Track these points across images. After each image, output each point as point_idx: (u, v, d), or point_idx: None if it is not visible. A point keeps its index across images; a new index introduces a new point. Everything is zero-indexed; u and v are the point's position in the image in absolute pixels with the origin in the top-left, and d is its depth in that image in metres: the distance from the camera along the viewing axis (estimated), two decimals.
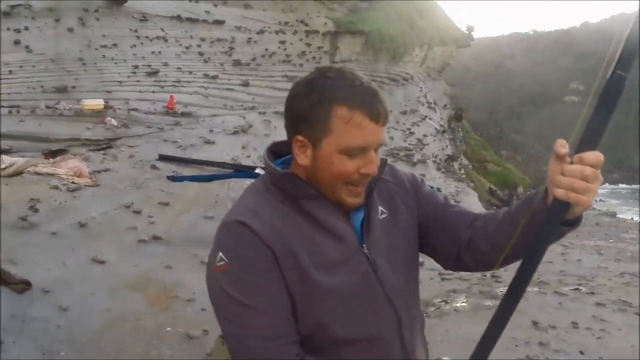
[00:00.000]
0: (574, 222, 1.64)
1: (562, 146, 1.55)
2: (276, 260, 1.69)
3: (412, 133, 26.00)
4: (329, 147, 1.70)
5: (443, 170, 25.04)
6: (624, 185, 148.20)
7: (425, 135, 28.07)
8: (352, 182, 1.74)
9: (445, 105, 37.17)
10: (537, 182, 67.63)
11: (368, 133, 1.68)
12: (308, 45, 23.85)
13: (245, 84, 20.64)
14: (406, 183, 2.02)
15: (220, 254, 1.71)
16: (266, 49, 22.08)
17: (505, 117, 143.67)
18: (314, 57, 23.79)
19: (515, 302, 1.71)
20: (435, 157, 27.55)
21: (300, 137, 1.74)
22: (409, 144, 24.24)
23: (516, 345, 6.69)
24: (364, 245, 1.82)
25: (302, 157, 1.75)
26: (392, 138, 23.15)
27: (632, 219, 39.69)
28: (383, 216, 1.91)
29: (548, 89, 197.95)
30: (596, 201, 68.91)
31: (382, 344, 1.80)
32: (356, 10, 27.32)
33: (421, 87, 31.84)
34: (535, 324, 7.47)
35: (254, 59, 21.52)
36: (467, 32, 42.70)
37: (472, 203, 20.94)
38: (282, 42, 22.74)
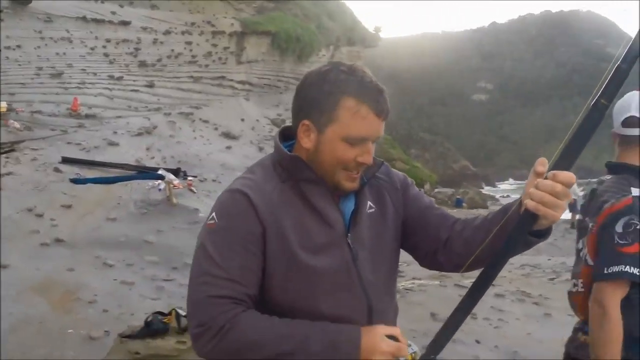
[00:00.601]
0: (543, 234, 1.74)
1: (541, 165, 1.67)
2: (264, 235, 1.80)
3: None
4: (334, 134, 1.82)
5: None
6: None
7: None
8: (349, 168, 1.85)
9: None
10: (445, 179, 69.38)
11: (371, 126, 1.82)
12: (214, 45, 23.92)
13: (151, 85, 20.67)
14: (397, 183, 2.13)
15: (214, 214, 1.83)
16: (172, 50, 22.11)
17: (414, 116, 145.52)
18: (220, 58, 23.92)
19: (472, 305, 1.81)
20: None
21: (307, 122, 1.85)
22: None
23: (414, 337, 6.62)
24: (349, 235, 1.91)
25: (306, 141, 1.87)
26: None
27: None
28: (371, 210, 2.01)
29: (457, 88, 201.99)
30: (503, 197, 71.13)
31: (348, 323, 1.84)
32: (263, 11, 27.45)
33: None
34: (433, 315, 7.60)
35: (159, 60, 21.53)
36: (374, 32, 43.63)
37: None
38: (189, 43, 22.78)
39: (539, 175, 1.66)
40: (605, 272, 2.38)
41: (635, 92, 2.64)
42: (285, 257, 1.80)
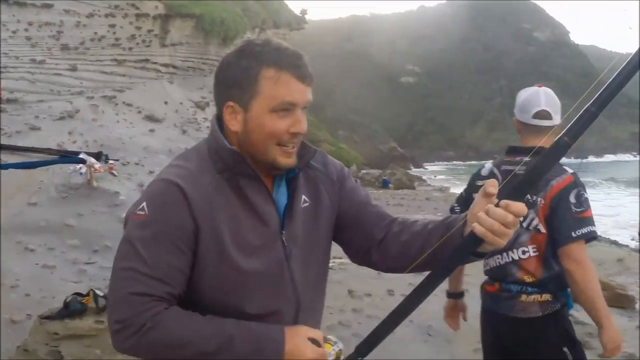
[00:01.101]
0: (482, 254, 1.73)
1: (493, 186, 1.64)
2: (196, 234, 1.73)
3: None
4: (260, 107, 1.76)
5: None
6: (459, 162, 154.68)
7: None
8: (283, 142, 1.79)
9: None
10: (373, 160, 70.17)
11: (295, 91, 1.76)
12: (138, 28, 23.56)
13: (74, 69, 20.41)
14: (334, 174, 2.07)
15: (145, 203, 1.74)
16: (95, 33, 21.74)
17: (342, 98, 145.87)
18: (143, 41, 23.68)
19: (409, 311, 1.77)
20: None
21: (231, 103, 1.80)
22: None
23: (330, 313, 6.75)
24: (284, 232, 1.87)
25: (234, 123, 1.81)
26: None
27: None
28: (305, 205, 1.96)
29: (385, 71, 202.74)
30: (431, 177, 72.27)
31: (275, 322, 1.82)
32: None
33: None
34: (350, 292, 7.77)
35: (82, 43, 21.20)
36: (300, 15, 43.99)
37: None
38: (112, 26, 22.40)
39: (487, 196, 1.65)
40: (574, 235, 2.94)
41: (538, 89, 3.27)
42: (217, 258, 1.75)
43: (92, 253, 8.75)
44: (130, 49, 22.89)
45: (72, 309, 5.10)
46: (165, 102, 22.17)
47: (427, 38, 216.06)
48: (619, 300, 9.05)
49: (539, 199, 3.06)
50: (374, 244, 2.00)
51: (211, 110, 23.03)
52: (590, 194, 3.18)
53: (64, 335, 4.89)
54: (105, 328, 4.80)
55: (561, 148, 1.57)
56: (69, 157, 13.37)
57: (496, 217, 1.56)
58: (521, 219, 3.02)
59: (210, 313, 1.73)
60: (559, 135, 1.57)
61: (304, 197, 1.96)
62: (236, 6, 30.17)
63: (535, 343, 3.14)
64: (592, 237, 3.00)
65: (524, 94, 3.31)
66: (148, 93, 21.71)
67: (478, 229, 1.59)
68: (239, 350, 1.67)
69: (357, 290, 7.97)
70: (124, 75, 22.16)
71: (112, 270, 1.72)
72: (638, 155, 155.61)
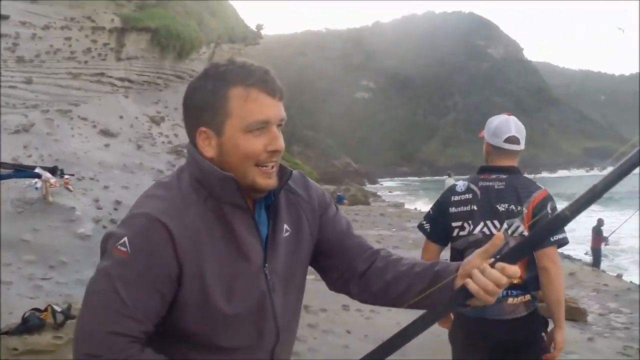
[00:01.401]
0: (468, 305, 1.72)
1: (499, 239, 1.65)
2: (179, 277, 1.67)
3: None
4: (233, 129, 1.70)
5: None
6: (414, 178, 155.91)
7: None
8: (262, 162, 1.73)
9: None
10: (328, 176, 70.33)
11: (267, 107, 1.71)
12: (94, 42, 23.38)
13: (29, 82, 20.19)
14: (315, 201, 2.02)
15: (126, 240, 1.64)
16: (51, 45, 21.51)
17: (297, 113, 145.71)
18: (99, 54, 23.49)
19: (397, 347, 1.74)
20: None
21: (203, 129, 1.74)
22: None
23: None
24: (267, 266, 1.82)
25: (208, 149, 1.75)
26: (176, 135, 23.42)
27: (415, 209, 42.17)
28: (287, 234, 1.91)
29: (339, 86, 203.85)
30: (386, 193, 72.70)
31: (252, 355, 1.82)
32: (144, 8, 26.83)
33: None
34: (306, 307, 7.83)
35: (38, 56, 20.96)
36: (256, 30, 44.12)
37: None
38: (68, 39, 22.18)
39: (487, 254, 1.67)
40: (552, 239, 3.30)
41: (508, 117, 3.70)
42: (200, 303, 1.70)
43: (48, 268, 8.76)
44: (85, 62, 22.68)
45: (30, 324, 5.14)
46: (121, 117, 22.13)
47: (381, 53, 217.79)
48: (571, 313, 9.36)
49: (523, 209, 3.44)
50: (354, 276, 1.99)
51: (166, 125, 23.10)
52: None
53: (23, 350, 4.91)
54: (63, 344, 4.97)
55: (560, 220, 1.61)
56: (24, 171, 13.23)
57: (491, 278, 1.60)
58: (506, 226, 3.45)
59: (187, 344, 1.74)
60: (562, 208, 1.61)
61: (285, 226, 1.91)
62: (192, 20, 30.19)
63: (531, 338, 3.52)
64: (564, 242, 3.42)
65: (495, 121, 3.73)
66: (103, 107, 21.65)
67: (472, 286, 1.62)
68: None
69: (312, 306, 8.07)
70: (79, 89, 21.98)
71: (85, 302, 1.66)
72: (591, 171, 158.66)
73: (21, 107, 19.19)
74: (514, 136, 3.63)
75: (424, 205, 47.65)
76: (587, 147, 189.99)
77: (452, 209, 3.64)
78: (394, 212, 35.40)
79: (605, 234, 20.82)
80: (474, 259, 1.68)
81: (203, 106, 1.74)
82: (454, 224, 3.61)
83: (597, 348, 7.80)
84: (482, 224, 3.52)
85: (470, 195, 3.60)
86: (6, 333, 5.07)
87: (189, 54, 28.56)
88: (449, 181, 28.41)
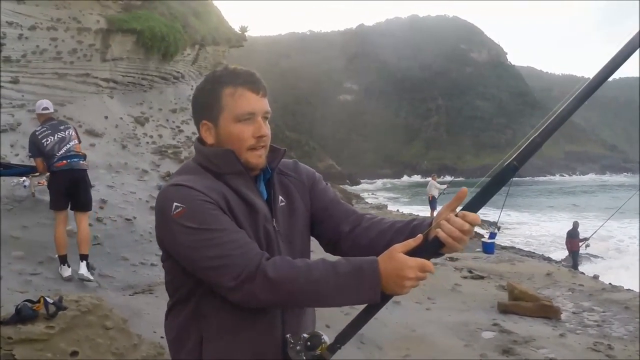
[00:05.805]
0: (440, 253, 1.99)
1: (463, 194, 1.94)
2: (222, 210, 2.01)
3: (181, 131, 26.07)
4: (226, 120, 2.10)
5: None
6: (397, 180, 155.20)
7: (194, 133, 25.92)
8: (253, 146, 2.11)
9: None
10: None
11: (252, 101, 2.10)
12: (80, 42, 23.24)
13: (15, 81, 20.16)
14: (304, 178, 2.40)
15: (175, 203, 1.96)
16: (37, 46, 21.34)
17: (280, 115, 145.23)
18: (85, 55, 23.41)
19: (373, 312, 2.03)
20: None
21: (205, 122, 2.16)
22: (178, 142, 24.36)
23: None
24: (274, 219, 2.20)
25: (209, 138, 2.16)
26: (160, 136, 23.31)
27: (397, 210, 42.17)
28: (282, 204, 2.26)
29: (322, 88, 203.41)
30: (369, 195, 72.62)
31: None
32: (130, 9, 26.71)
33: (192, 86, 31.05)
34: None
35: (24, 56, 20.85)
36: (240, 32, 44.14)
37: None
38: (54, 39, 22.07)
39: (452, 208, 1.96)
40: None
41: None
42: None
43: (37, 264, 8.85)
44: (71, 62, 22.58)
45: (23, 314, 5.12)
46: (106, 117, 22.22)
47: (365, 56, 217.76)
48: (545, 310, 9.81)
49: None
50: (342, 236, 2.30)
51: (150, 126, 23.15)
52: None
53: (17, 339, 4.97)
54: (56, 333, 5.05)
55: (510, 170, 1.84)
56: (12, 169, 13.28)
57: (455, 225, 1.87)
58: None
59: (215, 298, 2.05)
60: (509, 161, 1.83)
61: (280, 197, 2.26)
62: (176, 22, 30.19)
63: None
64: None
65: None
66: (88, 107, 21.72)
67: (440, 234, 1.89)
68: (343, 270, 1.91)
69: None
70: (64, 89, 21.88)
71: (206, 267, 1.95)
72: (573, 175, 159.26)
73: (8, 107, 19.19)
74: None
75: (406, 207, 47.91)
76: (569, 151, 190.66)
77: None
78: (377, 213, 34.39)
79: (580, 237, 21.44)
80: (443, 212, 1.98)
81: (203, 104, 2.17)
82: None
83: (568, 343, 8.09)
84: None
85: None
86: (1, 323, 5.09)
87: (173, 55, 28.35)
88: (433, 183, 28.77)
